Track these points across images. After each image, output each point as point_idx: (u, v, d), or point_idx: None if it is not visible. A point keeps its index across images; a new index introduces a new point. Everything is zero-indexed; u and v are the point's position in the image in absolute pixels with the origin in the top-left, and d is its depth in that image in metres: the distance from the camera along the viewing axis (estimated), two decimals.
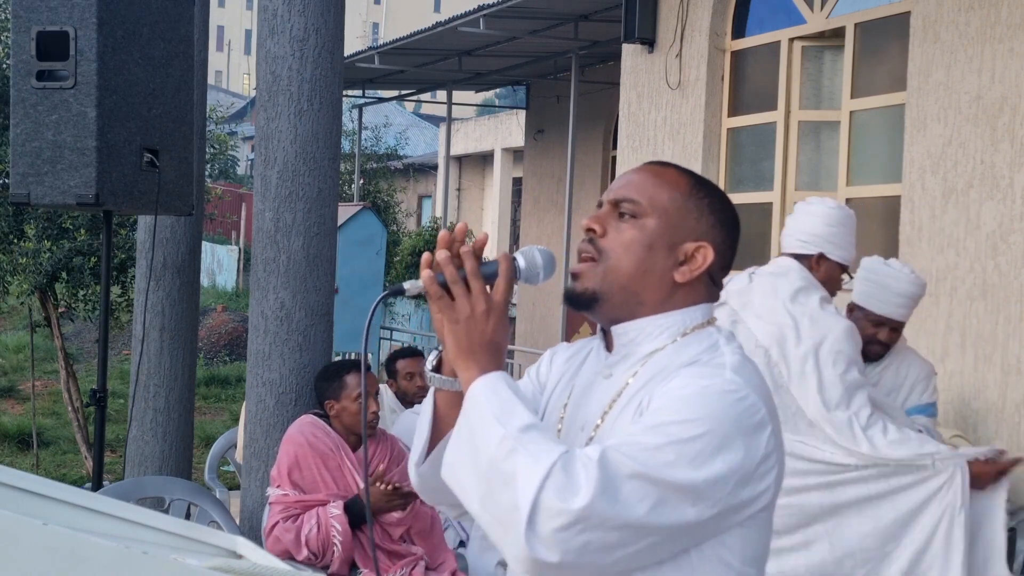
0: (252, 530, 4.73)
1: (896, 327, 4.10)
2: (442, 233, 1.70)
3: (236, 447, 6.15)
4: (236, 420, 7.83)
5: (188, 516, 4.56)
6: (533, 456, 1.53)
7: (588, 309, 1.77)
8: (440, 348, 1.75)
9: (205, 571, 1.73)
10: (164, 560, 1.74)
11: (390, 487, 4.00)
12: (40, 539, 1.57)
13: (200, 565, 1.76)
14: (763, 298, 3.62)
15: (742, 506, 1.63)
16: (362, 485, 4.15)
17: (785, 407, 3.44)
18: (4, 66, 8.43)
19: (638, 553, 1.56)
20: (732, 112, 7.56)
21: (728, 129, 7.56)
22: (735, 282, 3.69)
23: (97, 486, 4.65)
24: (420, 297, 1.69)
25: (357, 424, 4.23)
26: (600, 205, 1.82)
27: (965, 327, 5.68)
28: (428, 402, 1.80)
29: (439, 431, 1.78)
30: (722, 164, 7.55)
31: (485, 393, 1.61)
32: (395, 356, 5.83)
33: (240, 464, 5.62)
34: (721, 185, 7.46)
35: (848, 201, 6.78)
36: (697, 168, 7.47)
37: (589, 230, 1.78)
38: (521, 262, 1.72)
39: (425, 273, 1.66)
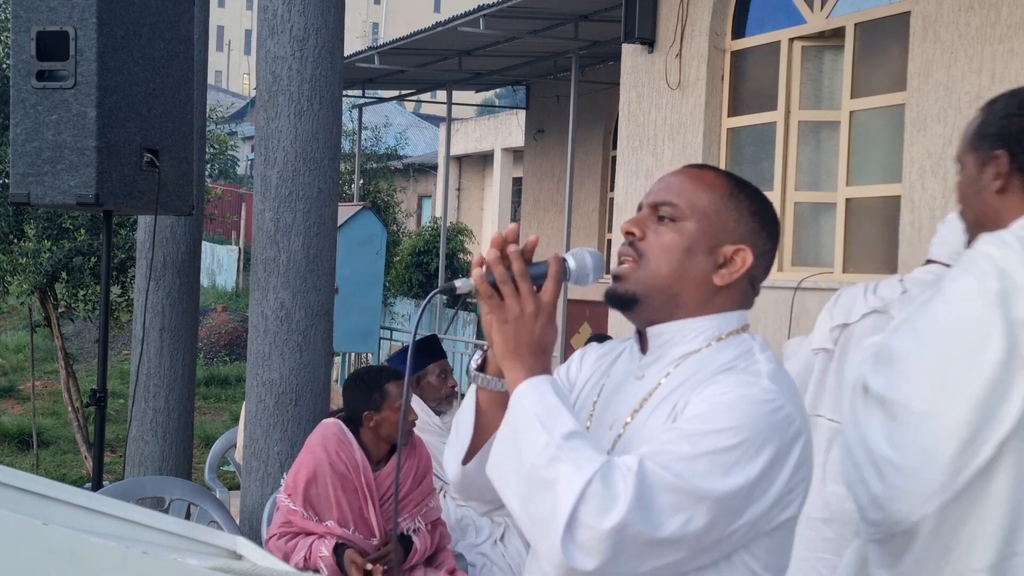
0: (252, 530, 4.73)
1: None
2: (495, 234, 1.71)
3: (236, 447, 6.15)
4: (236, 420, 7.83)
5: (188, 516, 4.56)
6: (575, 465, 1.54)
7: (628, 310, 1.78)
8: (486, 347, 1.76)
9: (205, 571, 1.73)
10: (164, 560, 1.74)
11: (368, 566, 3.90)
12: (40, 539, 1.56)
13: (200, 565, 1.76)
14: None
15: (773, 515, 1.64)
16: (374, 511, 4.09)
17: None
18: (4, 66, 8.43)
19: (674, 563, 1.58)
20: (732, 112, 7.56)
21: (728, 129, 7.56)
22: (889, 289, 3.67)
23: (97, 486, 4.64)
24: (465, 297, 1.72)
25: (396, 435, 4.06)
26: (640, 208, 1.82)
27: None
28: (469, 400, 1.81)
29: (482, 430, 1.79)
30: (722, 164, 7.54)
31: (531, 396, 1.63)
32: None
33: (240, 464, 5.62)
34: None
35: (848, 201, 6.78)
36: None
37: (629, 233, 1.78)
38: (571, 263, 1.73)
39: (476, 272, 1.68)
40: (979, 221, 2.12)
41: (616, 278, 1.78)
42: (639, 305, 1.76)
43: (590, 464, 1.54)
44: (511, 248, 1.69)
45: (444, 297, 1.72)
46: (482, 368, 1.78)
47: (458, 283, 1.70)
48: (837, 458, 3.62)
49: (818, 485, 3.58)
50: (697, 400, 1.65)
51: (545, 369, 1.67)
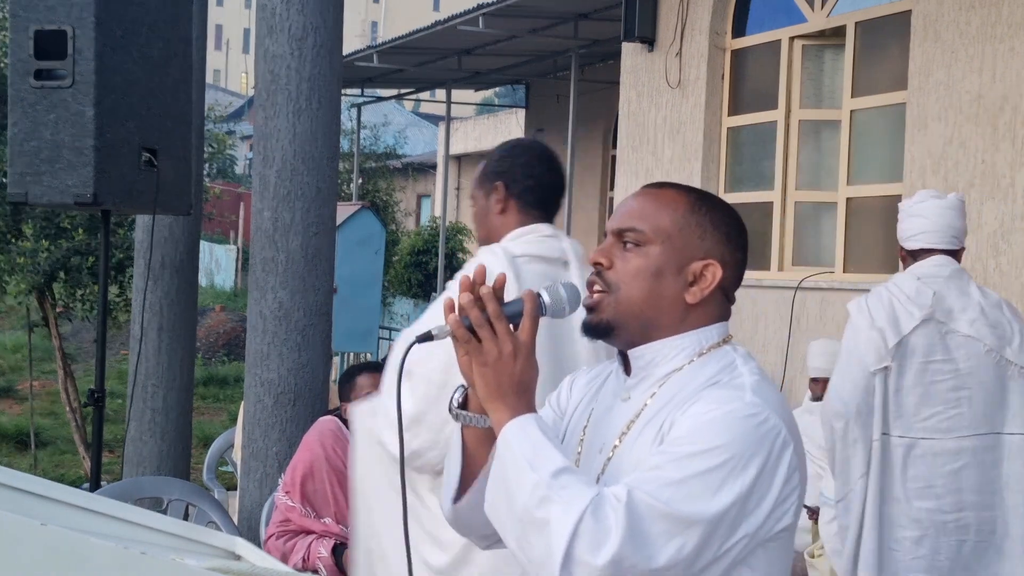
0: (250, 531, 4.72)
1: None
2: (463, 277, 1.70)
3: (235, 447, 6.13)
4: (234, 420, 7.81)
5: (186, 517, 4.54)
6: (565, 503, 1.55)
7: (606, 338, 1.79)
8: (466, 386, 1.76)
9: (203, 572, 1.73)
10: (163, 560, 1.73)
11: None
12: (39, 539, 1.56)
13: (198, 566, 1.76)
14: (960, 302, 3.71)
15: (769, 527, 1.64)
16: None
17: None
18: (2, 65, 8.41)
19: None
20: (732, 111, 7.55)
21: (728, 128, 7.54)
22: (919, 293, 3.73)
23: (95, 486, 4.64)
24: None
25: None
26: (605, 235, 1.83)
27: None
28: (455, 439, 1.81)
29: (470, 467, 1.79)
30: (722, 163, 7.53)
31: (517, 437, 1.63)
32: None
33: (238, 464, 5.60)
34: (721, 185, 7.46)
35: (849, 201, 6.77)
36: (697, 167, 7.46)
37: (596, 263, 1.78)
38: (546, 298, 1.73)
39: (451, 317, 1.67)
40: (488, 238, 2.81)
41: (590, 309, 1.78)
42: (616, 332, 1.77)
43: (580, 500, 1.55)
44: (483, 289, 1.68)
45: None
46: (463, 406, 1.78)
47: (434, 331, 1.69)
48: (920, 475, 3.61)
49: (903, 504, 3.60)
50: (682, 420, 1.66)
51: (529, 408, 1.67)
